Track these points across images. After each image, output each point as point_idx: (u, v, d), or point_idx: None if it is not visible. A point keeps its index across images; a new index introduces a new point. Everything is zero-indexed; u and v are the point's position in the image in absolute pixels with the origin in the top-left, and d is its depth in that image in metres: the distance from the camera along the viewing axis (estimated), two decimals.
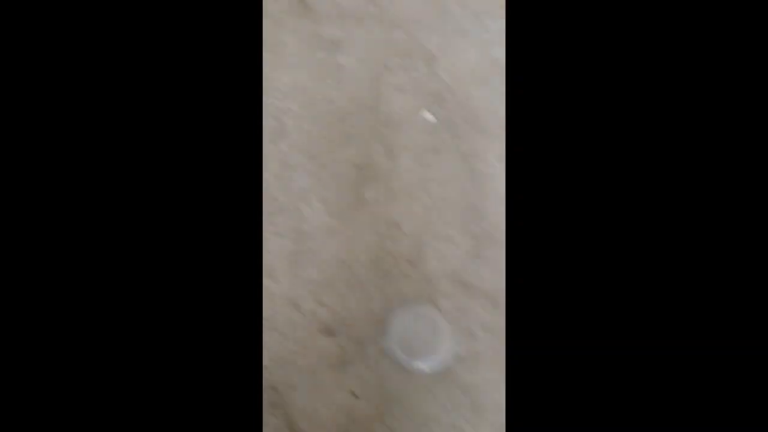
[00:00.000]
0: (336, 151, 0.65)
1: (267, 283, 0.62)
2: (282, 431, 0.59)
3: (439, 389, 0.62)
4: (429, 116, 0.68)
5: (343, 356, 0.61)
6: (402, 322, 0.59)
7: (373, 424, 0.60)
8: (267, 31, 0.67)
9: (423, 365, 0.59)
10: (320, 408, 0.60)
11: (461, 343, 0.63)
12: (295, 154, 0.64)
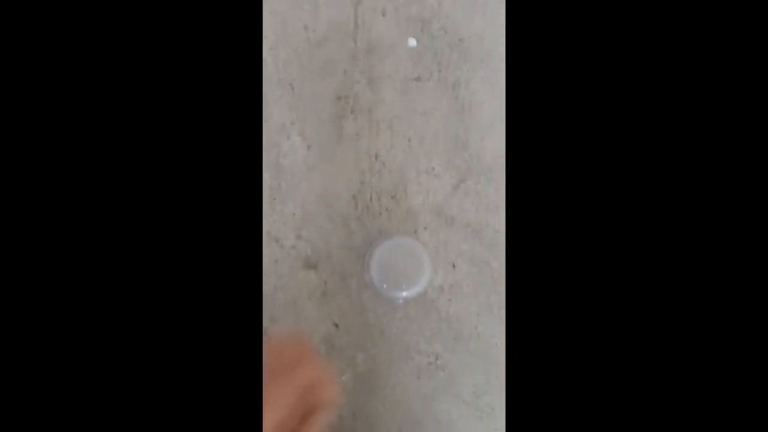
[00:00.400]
0: (315, 82, 0.63)
1: None
2: None
3: (421, 319, 0.63)
4: (411, 41, 0.64)
5: (324, 289, 0.62)
6: (382, 253, 0.59)
7: (354, 354, 0.62)
8: None
9: (403, 294, 0.59)
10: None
11: (443, 275, 0.64)
12: (272, 86, 0.62)
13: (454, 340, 0.64)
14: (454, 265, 0.64)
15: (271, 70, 0.62)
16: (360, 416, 0.62)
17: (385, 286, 0.58)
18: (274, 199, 0.62)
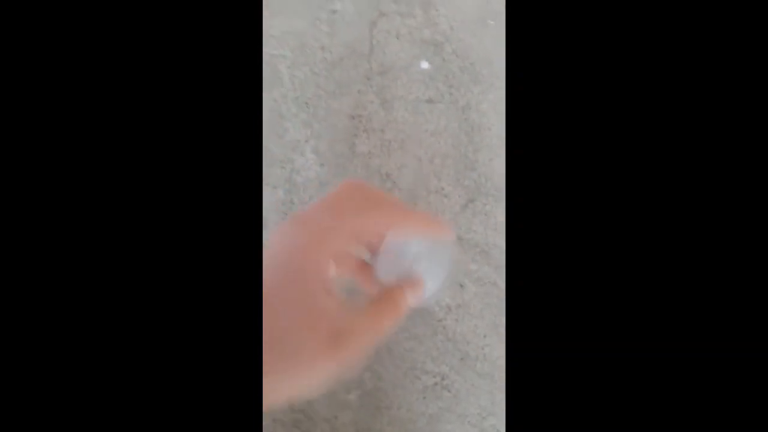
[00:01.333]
0: (329, 101, 0.64)
1: None
2: None
3: (428, 339, 0.63)
4: (424, 64, 0.66)
5: None
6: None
7: (361, 371, 0.62)
8: None
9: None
10: None
11: (450, 294, 0.64)
12: (288, 103, 0.63)
13: (460, 361, 0.64)
14: (461, 285, 0.64)
15: (288, 88, 0.63)
16: None
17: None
18: (286, 214, 0.62)
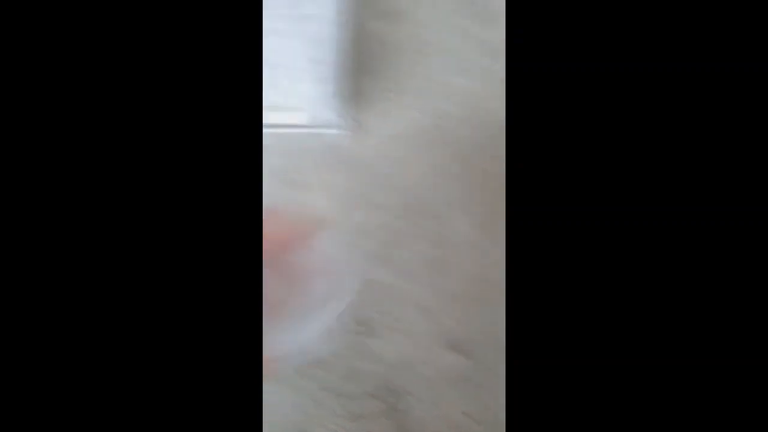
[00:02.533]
0: (489, 162, 0.63)
1: (400, 283, 0.61)
2: None
3: None
4: None
5: (465, 375, 0.59)
6: None
7: None
8: (438, 35, 0.66)
9: None
10: (437, 422, 0.59)
11: None
12: (448, 161, 0.63)
13: None
14: None
15: (450, 145, 0.63)
16: None
17: None
18: (435, 270, 0.61)
